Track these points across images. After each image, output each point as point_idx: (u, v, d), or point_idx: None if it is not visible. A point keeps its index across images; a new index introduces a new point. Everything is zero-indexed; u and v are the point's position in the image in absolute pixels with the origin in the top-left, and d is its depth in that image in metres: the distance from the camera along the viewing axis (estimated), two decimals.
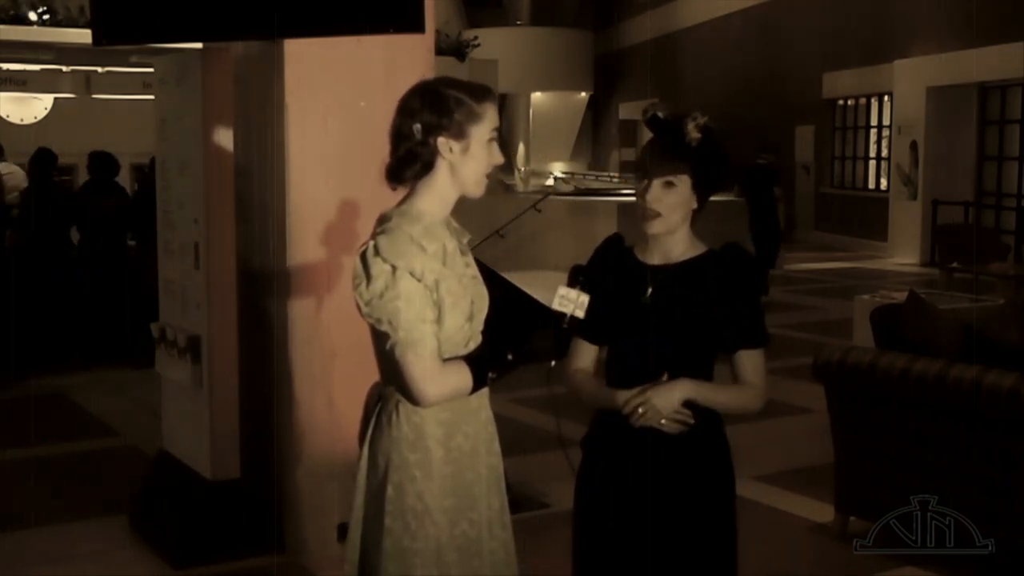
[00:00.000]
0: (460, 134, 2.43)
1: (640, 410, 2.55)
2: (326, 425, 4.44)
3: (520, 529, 2.69)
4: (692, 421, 2.58)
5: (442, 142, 2.43)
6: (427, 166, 2.45)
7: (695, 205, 2.63)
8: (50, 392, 7.65)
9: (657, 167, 2.59)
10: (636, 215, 2.66)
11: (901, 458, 4.48)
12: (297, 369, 4.47)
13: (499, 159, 2.50)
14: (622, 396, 2.59)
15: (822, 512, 4.97)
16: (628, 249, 2.73)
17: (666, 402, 2.55)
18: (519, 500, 4.95)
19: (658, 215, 2.60)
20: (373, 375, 2.58)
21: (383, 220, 2.46)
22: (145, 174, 11.28)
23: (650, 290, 2.63)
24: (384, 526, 2.45)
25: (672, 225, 2.62)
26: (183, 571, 4.46)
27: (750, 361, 2.65)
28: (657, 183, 2.59)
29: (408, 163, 2.45)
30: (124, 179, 11.07)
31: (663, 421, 2.56)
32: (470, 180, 2.48)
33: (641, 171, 2.63)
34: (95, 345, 8.13)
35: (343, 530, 3.34)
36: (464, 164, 2.45)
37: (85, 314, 8.38)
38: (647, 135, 2.72)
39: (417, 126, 2.42)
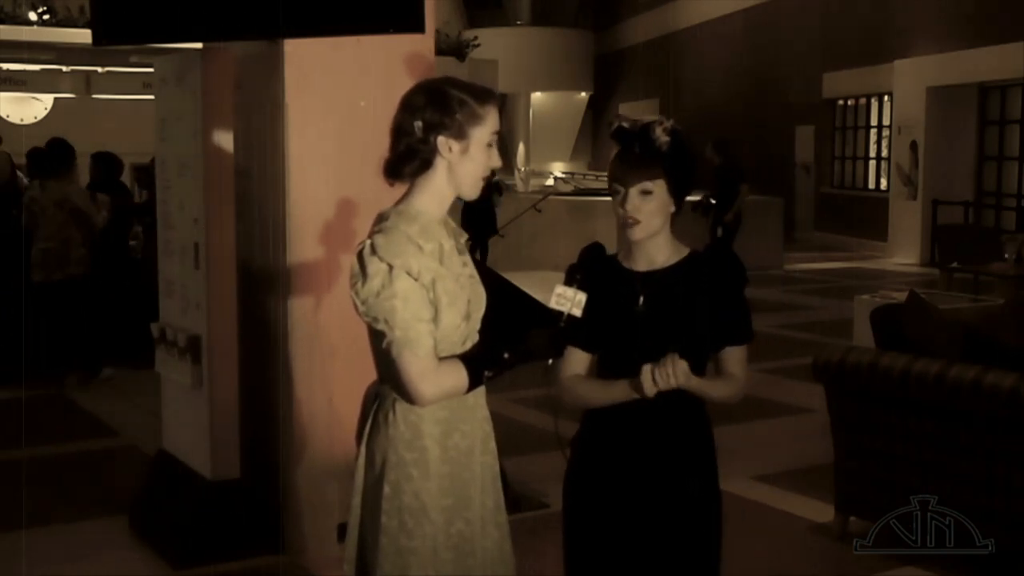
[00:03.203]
0: (460, 135, 2.43)
1: (670, 369, 2.49)
2: (326, 425, 4.44)
3: (519, 529, 2.69)
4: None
5: (442, 141, 2.43)
6: (425, 164, 2.46)
7: (673, 208, 2.65)
8: (50, 392, 7.65)
9: (632, 176, 2.60)
10: (616, 224, 2.66)
11: (901, 458, 4.48)
12: (297, 369, 4.47)
13: (497, 163, 2.51)
14: (645, 370, 2.52)
15: (822, 512, 4.97)
16: (611, 257, 2.74)
17: (685, 367, 2.53)
18: (518, 500, 4.95)
19: (638, 222, 2.61)
20: (373, 374, 2.58)
21: (381, 219, 2.47)
22: (148, 174, 11.27)
23: (642, 298, 2.64)
24: (381, 525, 2.45)
25: (653, 229, 2.63)
26: (183, 571, 4.46)
27: (737, 355, 2.70)
28: (634, 191, 2.60)
29: (407, 159, 2.45)
30: (124, 179, 11.07)
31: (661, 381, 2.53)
32: (466, 181, 2.49)
33: (616, 182, 2.63)
34: (95, 345, 8.12)
35: (343, 530, 3.34)
36: (462, 165, 2.46)
37: (87, 314, 8.37)
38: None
39: (418, 123, 2.42)
